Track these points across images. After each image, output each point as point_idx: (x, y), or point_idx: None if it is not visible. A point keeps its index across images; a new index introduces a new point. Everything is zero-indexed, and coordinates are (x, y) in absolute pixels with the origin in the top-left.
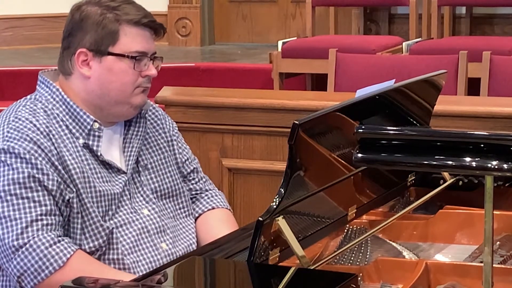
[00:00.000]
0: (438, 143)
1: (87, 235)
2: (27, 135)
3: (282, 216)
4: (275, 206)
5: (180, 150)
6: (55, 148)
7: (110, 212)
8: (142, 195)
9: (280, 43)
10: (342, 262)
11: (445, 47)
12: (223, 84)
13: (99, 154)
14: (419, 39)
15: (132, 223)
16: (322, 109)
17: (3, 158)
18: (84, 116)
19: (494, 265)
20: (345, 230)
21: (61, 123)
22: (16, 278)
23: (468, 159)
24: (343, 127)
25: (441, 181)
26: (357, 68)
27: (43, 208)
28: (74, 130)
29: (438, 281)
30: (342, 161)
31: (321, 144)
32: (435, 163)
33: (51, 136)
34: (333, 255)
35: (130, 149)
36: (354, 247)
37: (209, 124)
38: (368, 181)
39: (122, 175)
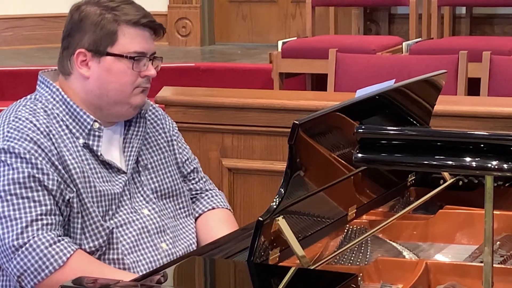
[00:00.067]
0: (438, 143)
1: (87, 235)
2: (27, 135)
3: (282, 216)
4: (275, 206)
5: (180, 150)
6: (55, 148)
7: (110, 212)
8: (142, 195)
9: (280, 43)
10: (342, 262)
11: (445, 47)
12: (223, 84)
13: (99, 154)
14: (419, 39)
15: (132, 223)
16: (322, 109)
17: (3, 158)
18: (84, 116)
19: (494, 265)
20: (345, 230)
21: (61, 123)
22: (16, 277)
23: (468, 159)
24: (343, 127)
25: (441, 181)
26: (357, 68)
27: (43, 208)
28: (74, 130)
29: (438, 281)
30: (342, 161)
31: (321, 144)
32: (435, 163)
33: (51, 136)
34: (333, 255)
35: (130, 149)
36: (354, 247)
37: (209, 124)
38: (368, 181)
39: (122, 175)
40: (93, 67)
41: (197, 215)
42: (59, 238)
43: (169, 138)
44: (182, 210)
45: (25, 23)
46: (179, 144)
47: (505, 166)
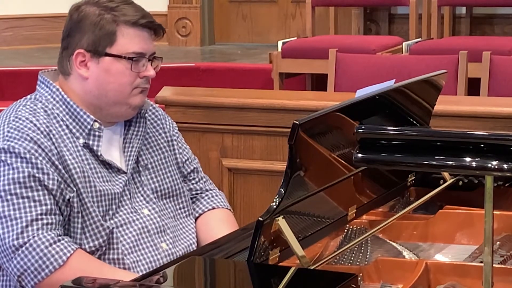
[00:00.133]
0: (438, 143)
1: (87, 234)
2: (27, 135)
3: (282, 216)
4: (275, 206)
5: (180, 150)
6: (56, 148)
7: (110, 212)
8: (142, 195)
9: (280, 43)
10: (342, 262)
11: (445, 47)
12: (223, 84)
13: (99, 154)
14: (419, 39)
15: (132, 223)
16: (322, 109)
17: (3, 158)
18: (84, 116)
19: (494, 265)
20: (345, 230)
21: (61, 122)
22: (17, 277)
23: (468, 159)
24: (343, 127)
25: (441, 181)
26: (357, 68)
27: (43, 207)
28: (74, 130)
29: (438, 281)
30: (342, 161)
31: (321, 144)
32: (435, 163)
33: (51, 135)
34: (333, 255)
35: (130, 149)
36: (354, 247)
37: (209, 124)
38: (368, 181)
39: (122, 175)
40: (92, 68)
41: (197, 215)
42: (59, 237)
43: (169, 138)
44: (182, 210)
45: (25, 23)
46: (179, 144)
47: (505, 166)
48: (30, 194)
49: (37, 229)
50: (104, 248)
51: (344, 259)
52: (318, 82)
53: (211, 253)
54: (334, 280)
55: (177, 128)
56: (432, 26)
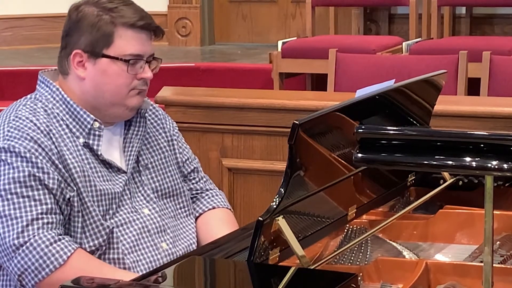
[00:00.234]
0: (438, 143)
1: (88, 234)
2: (28, 134)
3: (282, 216)
4: (275, 206)
5: (181, 150)
6: (56, 147)
7: (110, 211)
8: (142, 195)
9: (280, 43)
10: (342, 262)
11: (445, 47)
12: (223, 84)
13: (99, 153)
14: (419, 39)
15: (132, 222)
16: (322, 109)
17: (3, 157)
18: (84, 116)
19: (494, 265)
20: (345, 230)
21: (61, 122)
22: (17, 276)
23: (468, 159)
24: (343, 127)
25: (441, 181)
26: (357, 68)
27: (44, 206)
28: (74, 130)
29: (438, 281)
30: (342, 161)
31: (321, 144)
32: (435, 163)
33: (51, 135)
34: (333, 255)
35: (130, 148)
36: (354, 247)
37: (209, 124)
38: (368, 181)
39: (123, 174)
40: (89, 68)
41: (197, 214)
42: (60, 237)
43: (169, 138)
44: (183, 209)
45: (25, 23)
46: (180, 144)
47: (505, 166)
48: (30, 193)
49: (38, 229)
50: (104, 248)
51: (344, 259)
52: (318, 82)
53: (211, 253)
54: (334, 280)
55: (177, 128)
56: (432, 26)
